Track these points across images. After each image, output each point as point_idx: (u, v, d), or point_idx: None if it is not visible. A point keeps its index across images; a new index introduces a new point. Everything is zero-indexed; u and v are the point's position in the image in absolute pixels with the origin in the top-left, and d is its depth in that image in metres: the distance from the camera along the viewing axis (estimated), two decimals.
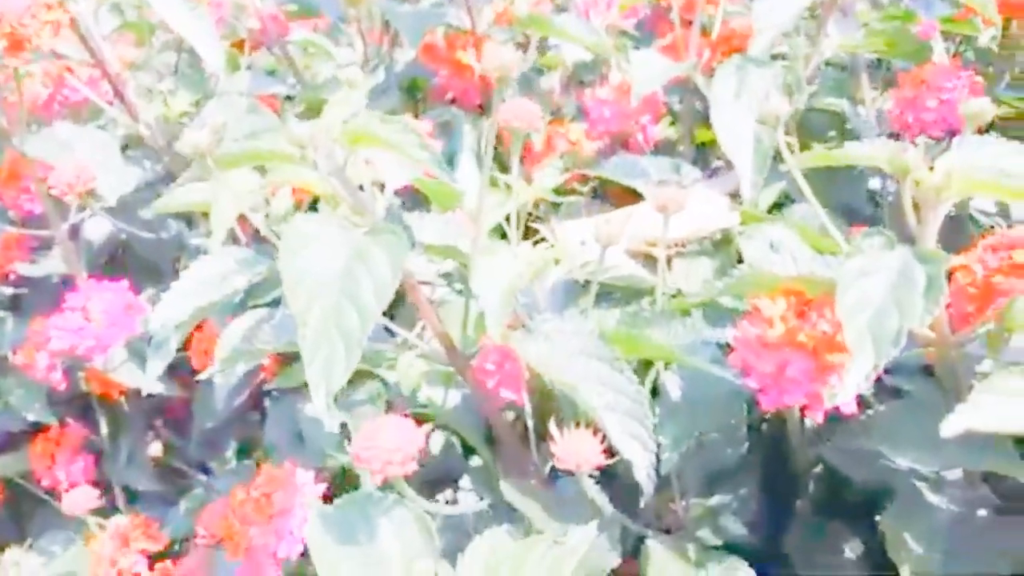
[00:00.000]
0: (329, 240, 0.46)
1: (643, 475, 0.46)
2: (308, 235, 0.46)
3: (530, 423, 0.58)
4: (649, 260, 0.62)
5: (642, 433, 0.47)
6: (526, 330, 0.52)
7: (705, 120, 0.93)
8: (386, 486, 0.47)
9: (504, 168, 0.97)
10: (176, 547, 0.89)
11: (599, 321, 0.56)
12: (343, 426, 0.65)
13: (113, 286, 0.79)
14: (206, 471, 1.00)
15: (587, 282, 0.59)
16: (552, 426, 0.46)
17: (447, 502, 0.79)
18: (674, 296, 0.62)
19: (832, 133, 0.91)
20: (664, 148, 0.94)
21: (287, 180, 0.57)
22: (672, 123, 0.99)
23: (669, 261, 0.62)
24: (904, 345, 0.36)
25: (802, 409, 0.47)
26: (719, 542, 0.63)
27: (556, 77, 1.08)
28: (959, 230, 0.81)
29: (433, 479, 0.80)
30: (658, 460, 0.49)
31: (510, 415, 0.62)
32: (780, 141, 0.47)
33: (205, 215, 0.82)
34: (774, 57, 0.88)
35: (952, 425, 0.35)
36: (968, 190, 0.40)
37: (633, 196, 0.79)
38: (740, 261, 0.62)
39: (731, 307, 0.57)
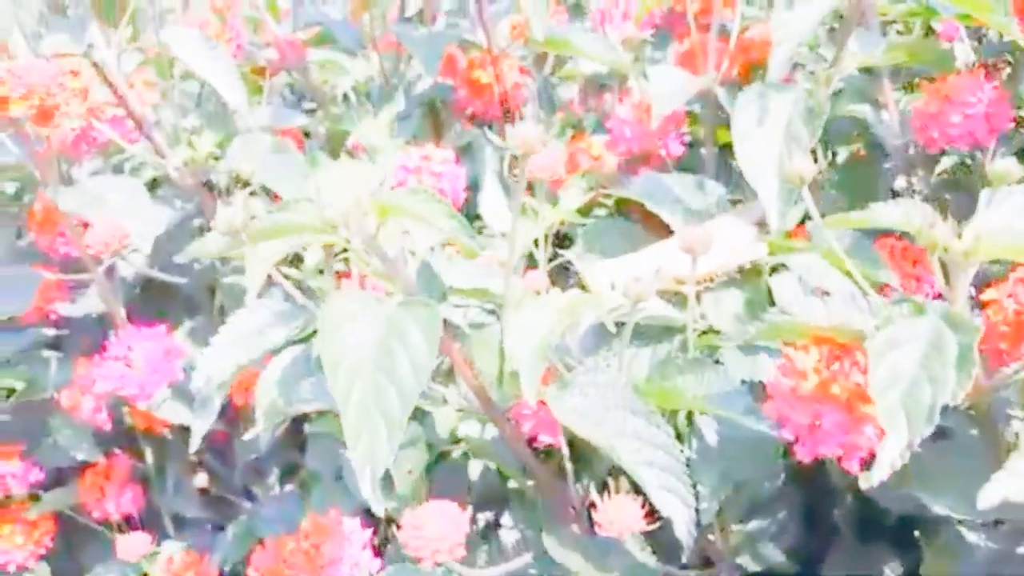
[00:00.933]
0: (364, 316, 0.47)
1: (683, 531, 0.47)
2: (344, 312, 0.47)
3: (568, 466, 0.59)
4: (678, 294, 0.63)
5: (680, 488, 0.48)
6: (560, 384, 0.52)
7: (726, 123, 0.93)
8: None
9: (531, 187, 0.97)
10: (226, 570, 0.92)
11: (631, 368, 0.57)
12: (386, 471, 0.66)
13: (152, 332, 0.81)
14: (251, 496, 1.02)
15: (618, 323, 0.60)
16: (593, 491, 0.47)
17: (487, 524, 0.81)
18: (704, 333, 0.62)
19: (856, 135, 0.91)
20: (685, 153, 0.94)
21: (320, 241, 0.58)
22: (692, 123, 0.99)
23: (698, 297, 0.63)
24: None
25: (837, 459, 0.47)
26: (758, 568, 0.64)
27: (575, 88, 1.08)
28: None
29: (475, 503, 0.82)
30: (696, 511, 0.50)
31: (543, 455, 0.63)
32: (808, 202, 0.47)
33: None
34: (795, 67, 0.88)
35: (988, 496, 0.36)
36: (998, 254, 0.40)
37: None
38: (771, 293, 0.62)
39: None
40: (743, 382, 0.53)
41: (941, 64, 0.72)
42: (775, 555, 0.63)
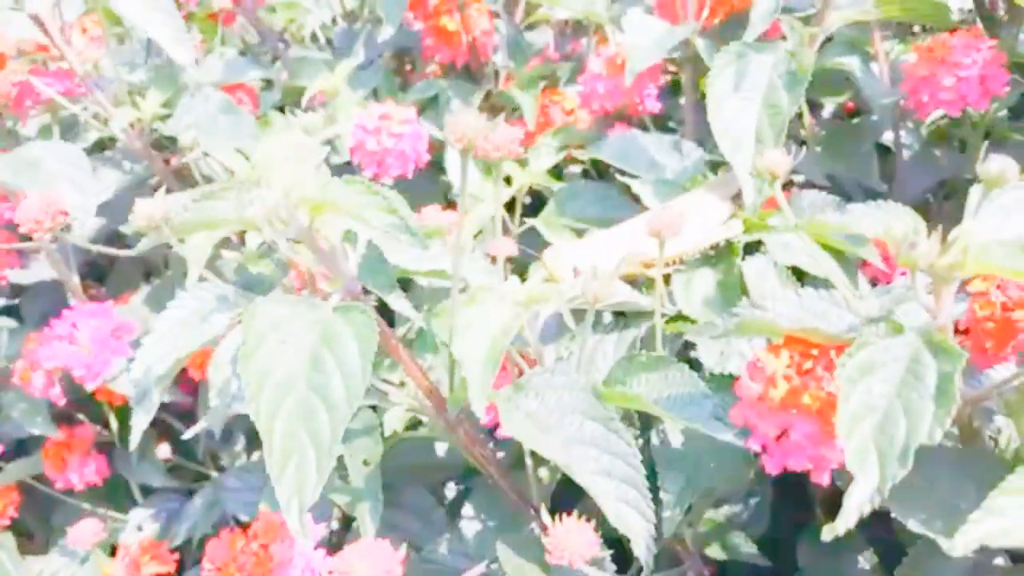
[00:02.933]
0: (295, 324, 0.43)
1: (642, 548, 0.44)
2: (271, 320, 0.43)
3: (528, 462, 0.56)
4: (648, 277, 0.59)
5: (640, 501, 0.45)
6: (515, 387, 0.49)
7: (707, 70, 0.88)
8: None
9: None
10: (193, 543, 0.90)
11: (595, 359, 0.53)
12: (340, 459, 0.63)
13: (99, 308, 0.77)
14: (216, 460, 1.00)
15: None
16: (544, 512, 0.44)
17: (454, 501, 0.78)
18: (673, 319, 0.58)
19: (844, 87, 0.86)
20: (665, 99, 0.89)
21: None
22: (675, 67, 0.93)
23: (668, 278, 0.59)
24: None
25: (806, 472, 0.44)
26: (726, 559, 0.61)
27: (548, 33, 1.02)
28: None
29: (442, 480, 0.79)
30: (658, 518, 0.47)
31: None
32: (780, 200, 0.43)
33: None
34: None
35: (964, 541, 0.32)
36: (988, 271, 0.36)
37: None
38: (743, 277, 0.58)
39: None
40: (711, 376, 0.49)
41: (936, 17, 0.67)
42: (747, 546, 0.61)
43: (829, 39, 0.76)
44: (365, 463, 0.61)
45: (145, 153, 0.83)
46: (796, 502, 0.64)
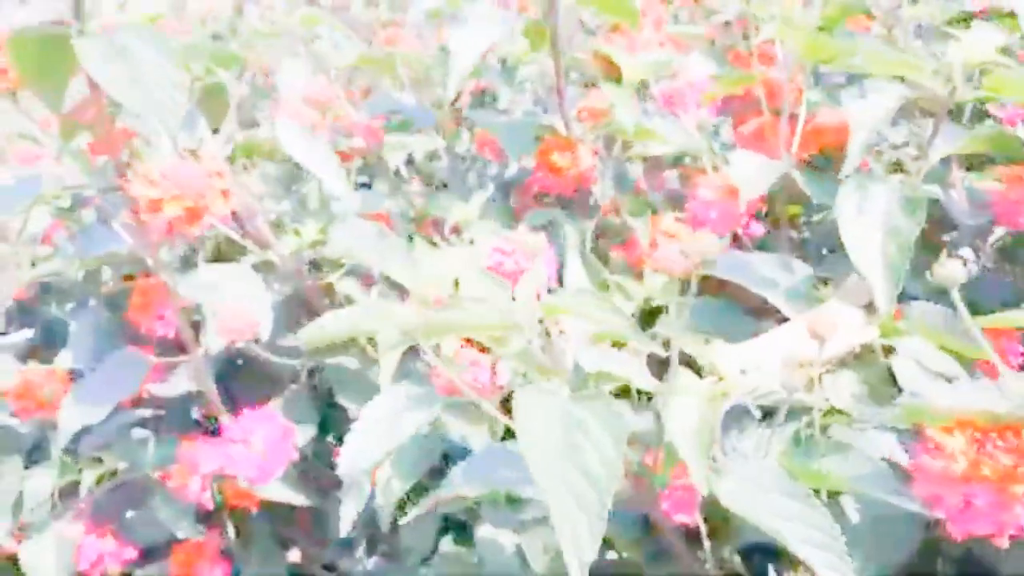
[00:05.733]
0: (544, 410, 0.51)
1: None
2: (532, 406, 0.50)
3: (706, 544, 0.63)
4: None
5: (843, 567, 0.51)
6: (714, 470, 0.56)
7: (790, 199, 0.98)
8: None
9: (605, 261, 1.02)
10: None
11: (769, 450, 0.60)
12: (518, 546, 0.69)
13: (266, 414, 0.83)
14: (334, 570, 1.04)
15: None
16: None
17: None
18: (827, 413, 0.66)
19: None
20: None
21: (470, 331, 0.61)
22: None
23: (820, 379, 0.66)
24: None
25: (989, 536, 0.51)
26: None
27: (638, 167, 1.13)
28: None
29: None
30: None
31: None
32: (957, 302, 0.51)
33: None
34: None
35: None
36: None
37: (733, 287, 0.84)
38: (890, 374, 0.66)
39: None
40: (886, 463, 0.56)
41: (1014, 151, 0.77)
42: None
43: None
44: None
45: (298, 276, 0.92)
46: None
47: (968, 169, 0.97)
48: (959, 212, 0.86)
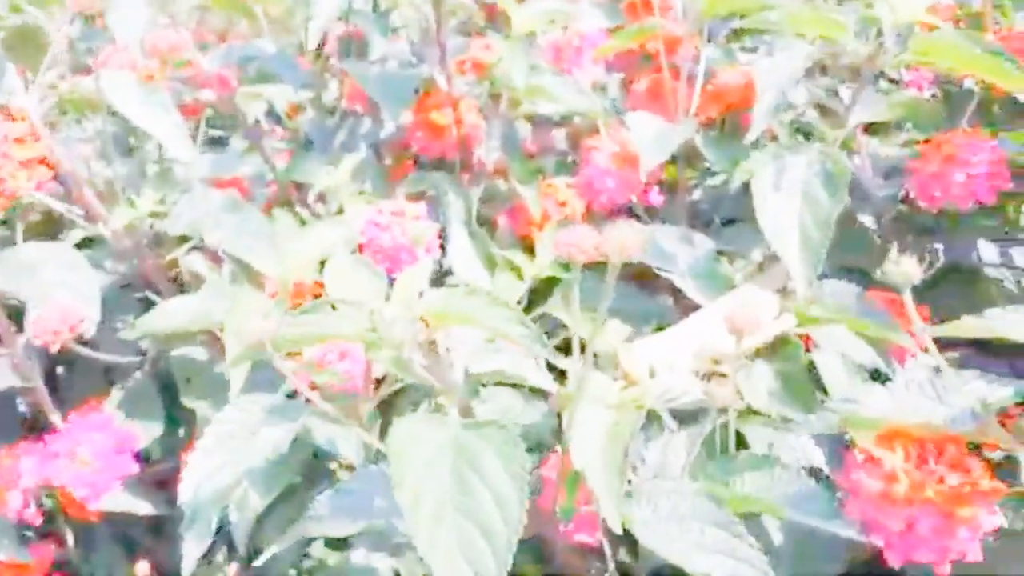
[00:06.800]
0: (429, 441, 0.41)
1: None
2: (409, 437, 0.41)
3: (611, 565, 0.55)
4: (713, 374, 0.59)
5: None
6: (626, 493, 0.48)
7: (691, 162, 0.91)
8: None
9: (490, 228, 0.93)
10: None
11: (667, 454, 0.53)
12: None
13: (99, 420, 0.71)
14: None
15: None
16: None
17: None
18: (743, 414, 0.59)
19: None
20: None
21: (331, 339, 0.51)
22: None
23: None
24: None
25: (932, 563, 0.45)
26: None
27: (526, 127, 1.04)
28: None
29: None
30: None
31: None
32: (908, 305, 0.45)
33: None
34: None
35: None
36: None
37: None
38: (809, 366, 0.60)
39: None
40: (816, 480, 0.50)
41: (933, 121, 0.72)
42: None
43: None
44: None
45: (135, 253, 0.79)
46: None
47: (867, 132, 0.93)
48: (869, 182, 0.81)
